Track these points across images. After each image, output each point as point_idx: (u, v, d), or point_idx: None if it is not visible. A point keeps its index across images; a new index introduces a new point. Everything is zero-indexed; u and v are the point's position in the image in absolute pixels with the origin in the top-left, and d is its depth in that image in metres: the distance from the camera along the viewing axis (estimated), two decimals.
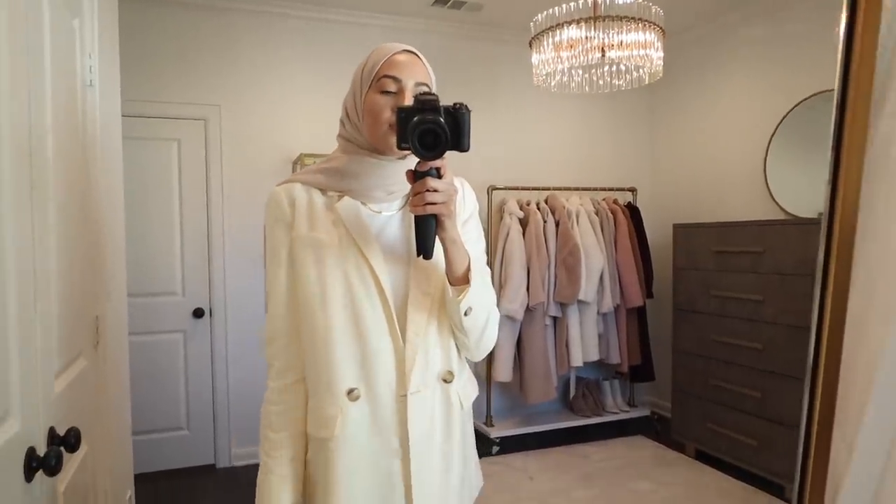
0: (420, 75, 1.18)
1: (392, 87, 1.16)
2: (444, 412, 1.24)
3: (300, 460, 1.24)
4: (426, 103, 1.08)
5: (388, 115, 1.15)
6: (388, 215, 1.23)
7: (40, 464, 1.02)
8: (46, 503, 1.11)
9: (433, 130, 1.06)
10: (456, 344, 1.27)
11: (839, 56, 1.08)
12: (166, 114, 3.64)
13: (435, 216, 1.09)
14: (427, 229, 1.11)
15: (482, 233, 1.33)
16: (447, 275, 1.17)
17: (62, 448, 1.10)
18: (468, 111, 1.11)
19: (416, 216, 1.11)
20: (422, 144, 1.07)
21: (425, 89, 1.18)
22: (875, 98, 0.98)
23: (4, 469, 0.92)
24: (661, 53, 2.61)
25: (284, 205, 1.21)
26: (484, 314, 1.21)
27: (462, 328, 1.19)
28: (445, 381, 1.24)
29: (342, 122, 1.27)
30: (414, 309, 1.19)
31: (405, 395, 1.18)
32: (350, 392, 1.17)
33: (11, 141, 0.98)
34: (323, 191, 1.22)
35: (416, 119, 1.06)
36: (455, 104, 1.10)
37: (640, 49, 2.55)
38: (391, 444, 1.19)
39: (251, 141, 3.81)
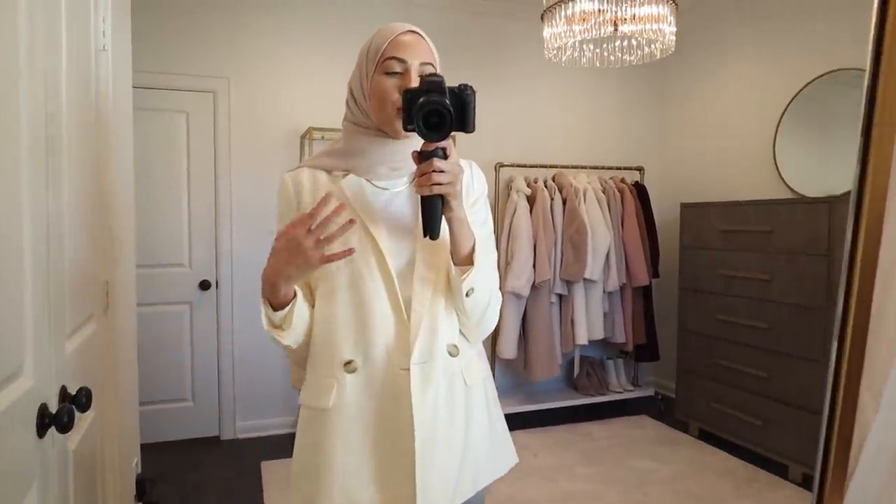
0: (425, 55, 1.17)
1: (397, 69, 1.15)
2: (448, 387, 1.20)
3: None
4: (432, 84, 1.07)
5: (394, 98, 1.14)
6: (395, 191, 1.23)
7: (52, 420, 1.02)
8: (58, 460, 1.12)
9: (438, 111, 1.05)
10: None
11: (871, 33, 1.07)
12: (175, 85, 3.62)
13: (441, 196, 1.08)
14: (433, 209, 1.09)
15: (490, 215, 1.31)
16: (452, 255, 1.15)
17: (73, 407, 1.11)
18: (473, 92, 1.08)
19: (422, 196, 1.09)
20: (427, 126, 1.05)
21: (431, 69, 1.17)
22: None
23: (18, 424, 0.93)
24: (673, 28, 2.58)
25: (291, 192, 1.24)
26: (486, 296, 1.20)
27: (463, 309, 1.18)
28: (451, 354, 1.20)
29: (348, 105, 1.26)
30: (419, 282, 1.17)
31: (407, 369, 1.15)
32: (347, 364, 1.17)
33: (30, 103, 0.98)
34: (329, 172, 1.23)
35: (421, 100, 1.05)
36: (460, 85, 1.08)
37: (653, 23, 2.52)
38: (394, 418, 1.16)
39: (260, 114, 3.79)
